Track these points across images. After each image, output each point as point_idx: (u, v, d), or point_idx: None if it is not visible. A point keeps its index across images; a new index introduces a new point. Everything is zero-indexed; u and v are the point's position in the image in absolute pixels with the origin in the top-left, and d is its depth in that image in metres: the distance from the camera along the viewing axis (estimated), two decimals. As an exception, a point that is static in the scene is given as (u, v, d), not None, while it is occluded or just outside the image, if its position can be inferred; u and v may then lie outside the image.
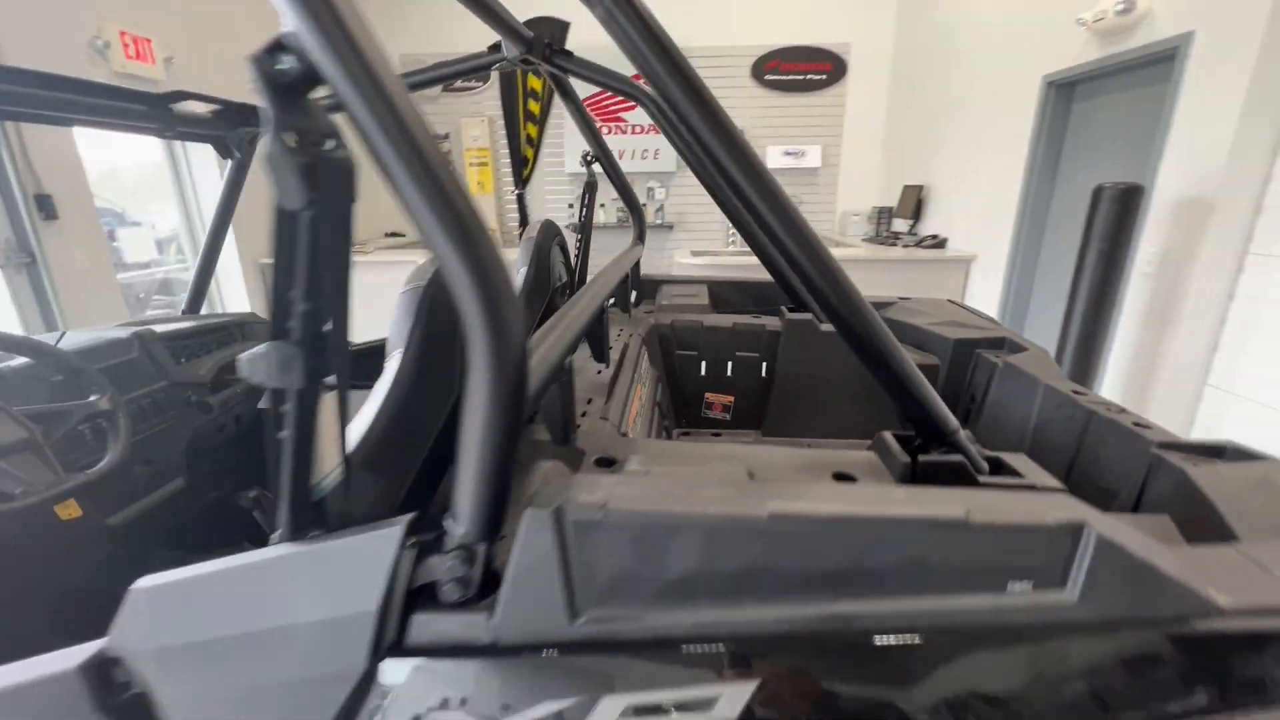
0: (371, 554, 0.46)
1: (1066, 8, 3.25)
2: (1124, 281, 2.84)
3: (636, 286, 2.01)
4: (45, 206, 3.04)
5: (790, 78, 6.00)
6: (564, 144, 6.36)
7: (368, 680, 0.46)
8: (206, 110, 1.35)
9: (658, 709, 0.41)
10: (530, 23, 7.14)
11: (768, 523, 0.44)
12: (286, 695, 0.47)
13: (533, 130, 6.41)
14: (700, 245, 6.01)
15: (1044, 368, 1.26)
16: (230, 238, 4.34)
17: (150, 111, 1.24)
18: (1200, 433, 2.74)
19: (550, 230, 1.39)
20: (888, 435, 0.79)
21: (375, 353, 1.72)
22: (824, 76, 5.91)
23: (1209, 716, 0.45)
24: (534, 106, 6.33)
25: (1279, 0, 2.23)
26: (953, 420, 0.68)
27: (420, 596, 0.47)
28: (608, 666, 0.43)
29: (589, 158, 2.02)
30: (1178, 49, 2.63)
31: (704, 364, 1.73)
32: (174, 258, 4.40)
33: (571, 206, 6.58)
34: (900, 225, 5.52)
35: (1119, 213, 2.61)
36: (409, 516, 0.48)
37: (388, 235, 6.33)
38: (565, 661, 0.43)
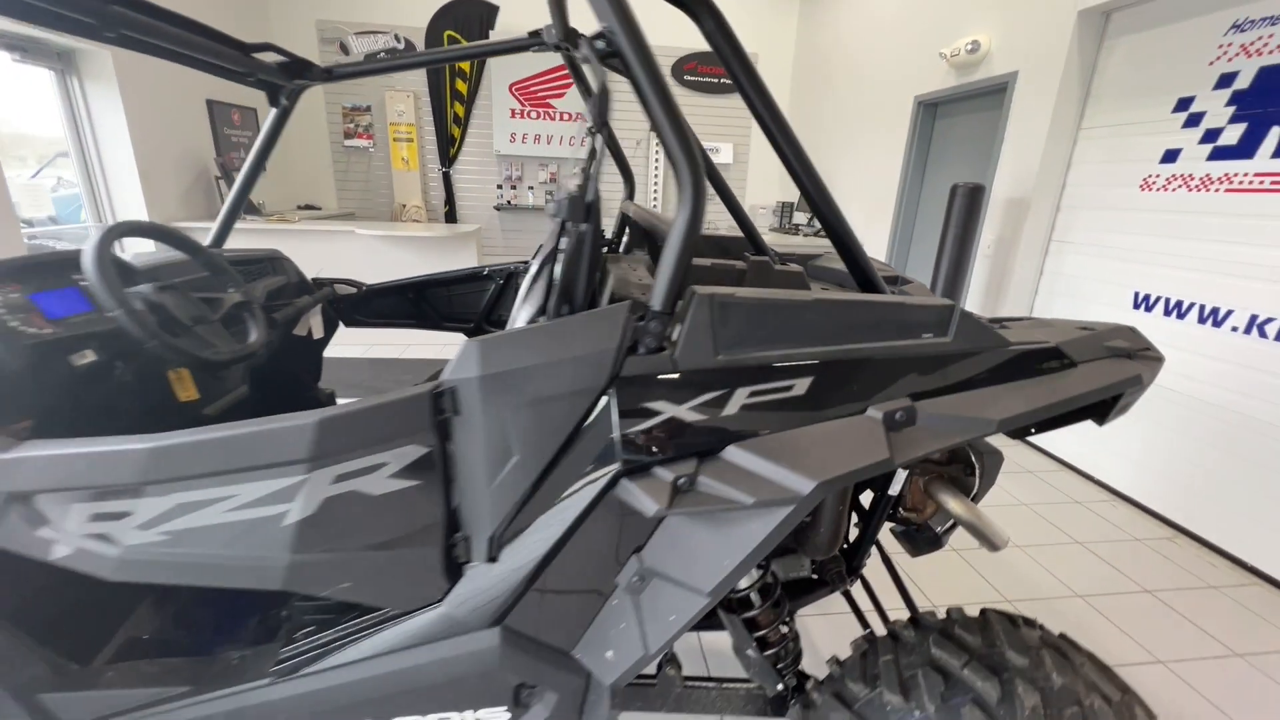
0: (611, 319, 0.82)
1: (933, 43, 4.05)
2: (972, 261, 3.65)
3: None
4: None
5: (706, 80, 6.59)
6: (492, 125, 6.48)
7: (605, 391, 0.82)
8: (274, 60, 1.52)
9: (771, 392, 0.82)
10: (455, 3, 7.16)
11: (813, 304, 0.86)
12: (559, 401, 0.81)
13: (460, 110, 6.45)
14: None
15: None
16: (140, 199, 4.11)
17: (239, 57, 1.41)
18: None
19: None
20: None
21: (390, 291, 1.96)
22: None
23: (998, 385, 0.93)
24: (461, 86, 6.38)
25: (1070, 52, 3.07)
26: (877, 276, 1.13)
27: (632, 350, 0.83)
28: (738, 379, 0.83)
29: (591, 129, 2.33)
30: (1008, 83, 3.46)
31: None
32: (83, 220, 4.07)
33: (500, 187, 6.72)
34: (800, 218, 6.30)
35: (968, 207, 3.38)
36: (629, 301, 0.84)
37: (300, 208, 6.09)
38: (713, 374, 0.82)
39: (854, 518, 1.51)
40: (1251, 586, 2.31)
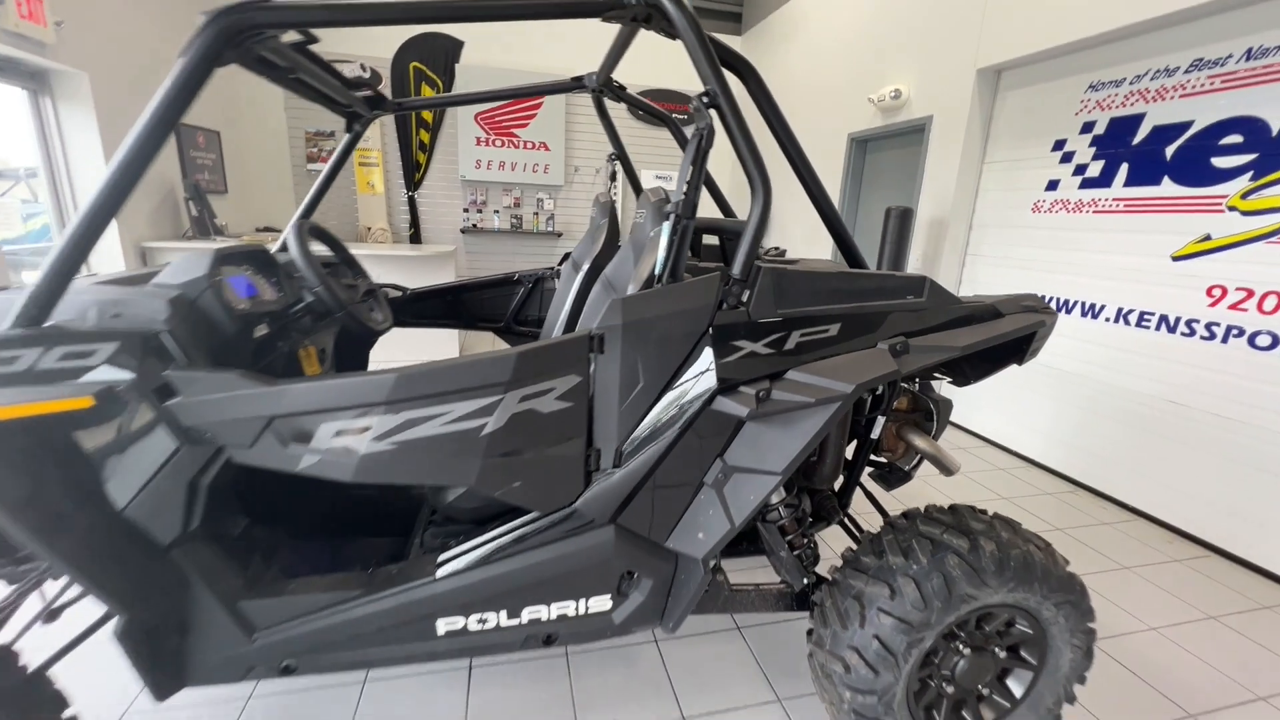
0: (708, 285, 1.17)
1: (863, 90, 4.74)
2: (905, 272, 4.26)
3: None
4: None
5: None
6: (458, 151, 6.73)
7: (705, 334, 1.17)
8: (361, 94, 1.78)
9: (816, 333, 1.21)
10: (421, 37, 7.44)
11: (838, 275, 1.26)
12: (674, 341, 1.15)
13: (425, 136, 6.67)
14: (590, 250, 6.78)
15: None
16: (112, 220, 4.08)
17: (344, 90, 1.66)
18: (949, 370, 4.24)
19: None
20: None
21: (431, 295, 2.24)
22: (686, 116, 7.16)
23: (957, 329, 1.37)
24: (427, 115, 6.62)
25: (972, 101, 3.76)
26: (859, 253, 1.55)
27: (720, 306, 1.19)
28: (792, 325, 1.20)
29: (704, 100, 2.49)
30: (925, 125, 4.14)
31: None
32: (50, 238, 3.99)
33: (466, 211, 6.95)
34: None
35: (900, 227, 4.00)
36: (719, 272, 1.20)
37: (259, 230, 6.08)
38: (776, 323, 1.19)
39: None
40: (1133, 522, 2.91)
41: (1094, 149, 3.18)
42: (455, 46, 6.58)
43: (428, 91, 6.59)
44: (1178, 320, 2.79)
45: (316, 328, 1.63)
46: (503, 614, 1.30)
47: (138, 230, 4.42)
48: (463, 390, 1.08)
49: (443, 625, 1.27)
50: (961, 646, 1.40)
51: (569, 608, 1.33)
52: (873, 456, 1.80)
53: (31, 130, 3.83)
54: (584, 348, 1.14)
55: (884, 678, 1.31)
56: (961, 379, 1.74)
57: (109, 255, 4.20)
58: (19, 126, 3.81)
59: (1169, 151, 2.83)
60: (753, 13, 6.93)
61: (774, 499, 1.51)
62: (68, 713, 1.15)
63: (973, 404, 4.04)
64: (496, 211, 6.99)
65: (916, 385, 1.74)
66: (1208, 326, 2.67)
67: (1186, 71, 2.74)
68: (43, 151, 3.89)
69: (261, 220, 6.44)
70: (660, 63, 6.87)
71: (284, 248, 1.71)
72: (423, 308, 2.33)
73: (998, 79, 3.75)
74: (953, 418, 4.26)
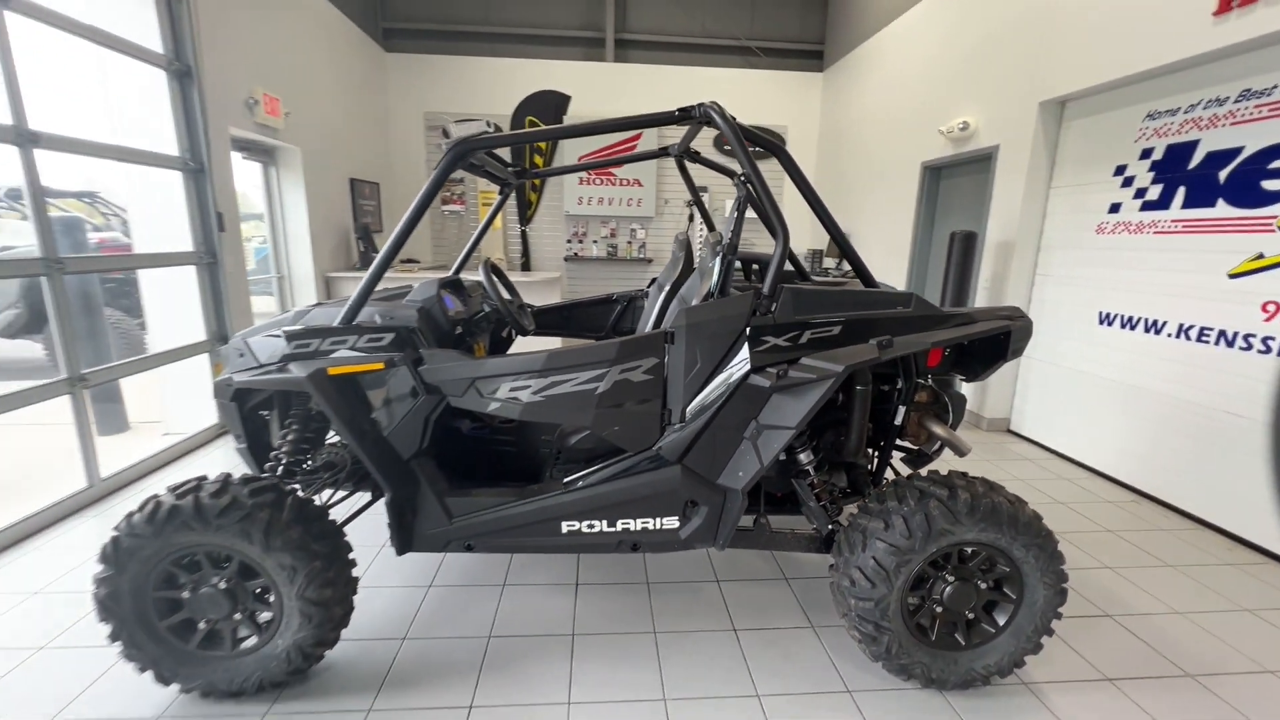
0: (745, 299, 1.71)
1: (934, 121, 5.06)
2: (973, 294, 4.49)
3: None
4: (219, 223, 4.00)
5: (754, 147, 7.73)
6: (563, 190, 7.71)
7: (742, 332, 1.73)
8: (507, 171, 2.56)
9: (823, 333, 1.73)
10: (535, 95, 8.61)
11: (841, 293, 1.77)
12: (721, 336, 1.71)
13: (536, 180, 7.72)
14: (677, 274, 7.45)
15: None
16: (309, 255, 5.28)
17: (501, 169, 2.45)
18: (1022, 387, 4.38)
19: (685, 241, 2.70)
20: None
21: (549, 310, 2.95)
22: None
23: (935, 330, 1.80)
24: (539, 160, 7.68)
25: (1036, 132, 4.00)
26: (874, 279, 2.03)
27: (753, 314, 1.74)
28: (806, 326, 1.74)
29: (742, 178, 2.92)
30: (992, 153, 4.40)
31: None
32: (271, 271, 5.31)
33: (569, 242, 7.90)
34: (829, 262, 7.24)
35: (964, 249, 4.27)
36: (753, 290, 1.76)
37: (403, 262, 7.33)
38: (794, 325, 1.73)
39: (874, 454, 2.35)
40: (1194, 530, 3.01)
41: (1153, 173, 3.35)
42: (564, 101, 7.62)
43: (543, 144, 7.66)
44: (1235, 335, 2.91)
45: (484, 329, 2.38)
46: (604, 522, 1.91)
47: (324, 262, 5.67)
48: (585, 364, 1.73)
49: (565, 526, 1.91)
50: (948, 576, 1.81)
51: (649, 523, 1.91)
52: (900, 442, 2.24)
53: (262, 192, 5.15)
54: (661, 340, 1.75)
55: (879, 589, 1.76)
56: (971, 375, 2.14)
57: (306, 281, 5.45)
58: (255, 189, 5.14)
59: (1222, 175, 2.98)
60: (833, 52, 7.38)
61: (802, 459, 2.01)
62: (351, 556, 1.90)
63: (1041, 418, 4.17)
64: (595, 241, 7.88)
65: (930, 380, 2.17)
66: (1264, 341, 2.79)
67: (1236, 101, 2.91)
68: (267, 206, 5.20)
69: (405, 253, 7.74)
70: (761, 100, 7.50)
71: (454, 274, 2.48)
72: (543, 320, 3.06)
73: (1061, 109, 3.97)
74: (1022, 431, 4.38)
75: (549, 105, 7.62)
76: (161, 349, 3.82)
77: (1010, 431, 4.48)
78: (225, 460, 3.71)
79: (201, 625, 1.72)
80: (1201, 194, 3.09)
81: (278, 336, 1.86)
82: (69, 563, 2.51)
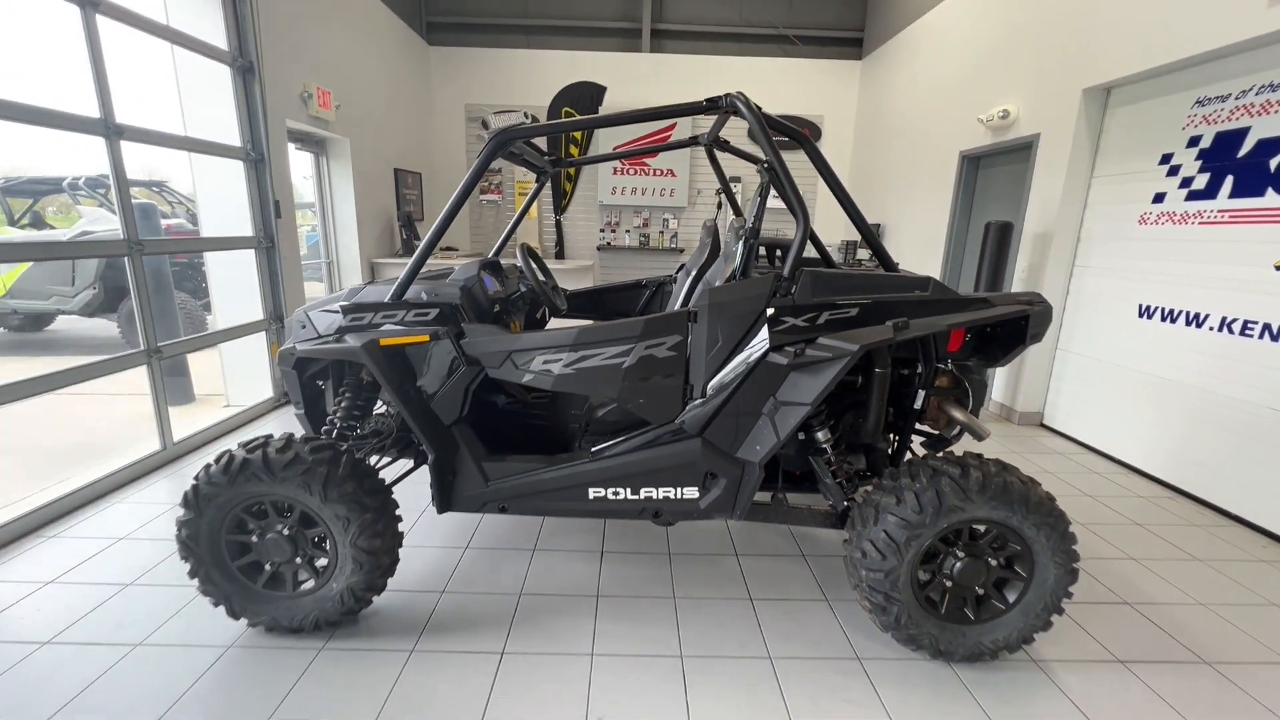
0: (765, 280, 1.81)
1: (972, 110, 4.97)
2: (1008, 284, 4.43)
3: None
4: (277, 209, 4.26)
5: (780, 137, 7.70)
6: (597, 180, 7.83)
7: (762, 314, 1.82)
8: (543, 160, 2.69)
9: (840, 314, 1.80)
10: (571, 86, 8.72)
11: (859, 275, 1.83)
12: (743, 316, 1.80)
13: (571, 170, 7.87)
14: (708, 264, 7.51)
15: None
16: (355, 241, 5.53)
17: (539, 158, 2.59)
18: (1055, 380, 4.31)
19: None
20: None
21: (581, 295, 3.09)
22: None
23: (952, 314, 1.85)
24: (574, 151, 7.81)
25: (1079, 120, 3.91)
26: (894, 264, 2.08)
27: (773, 294, 1.83)
28: (824, 308, 1.80)
29: (765, 164, 2.57)
30: (1032, 142, 4.31)
31: None
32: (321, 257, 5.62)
33: (603, 231, 8.04)
34: (863, 254, 7.18)
35: (999, 240, 4.21)
36: (775, 272, 1.85)
37: (443, 249, 7.57)
38: (813, 306, 1.81)
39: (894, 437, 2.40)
40: (1228, 527, 2.95)
41: (1200, 162, 3.26)
42: (600, 92, 7.72)
43: (578, 134, 7.79)
44: (1280, 329, 2.83)
45: (520, 308, 2.53)
46: (628, 490, 2.04)
47: (370, 248, 5.95)
48: (613, 340, 1.85)
49: (592, 492, 2.04)
50: (959, 552, 1.87)
51: (670, 492, 2.03)
52: (920, 426, 2.29)
53: (312, 182, 5.44)
54: (685, 318, 1.85)
55: (889, 561, 1.84)
56: (992, 360, 2.18)
57: (353, 266, 5.74)
58: (304, 180, 5.43)
59: (1273, 164, 2.89)
60: (872, 39, 7.26)
61: (820, 437, 2.09)
62: (398, 513, 2.07)
63: (1075, 412, 4.10)
64: (628, 231, 7.99)
65: (950, 365, 2.21)
66: (1310, 335, 2.71)
67: (1290, 86, 2.82)
68: (318, 194, 5.49)
69: (446, 240, 8.02)
70: (798, 89, 7.47)
71: (494, 256, 2.63)
72: (575, 303, 3.19)
73: (1106, 96, 3.87)
74: (1055, 425, 4.32)
75: (585, 96, 7.73)
76: (224, 326, 4.12)
77: (1043, 425, 4.42)
78: (280, 429, 3.99)
79: (267, 567, 1.92)
80: (1251, 183, 2.99)
81: (334, 311, 2.04)
82: (150, 512, 2.79)
